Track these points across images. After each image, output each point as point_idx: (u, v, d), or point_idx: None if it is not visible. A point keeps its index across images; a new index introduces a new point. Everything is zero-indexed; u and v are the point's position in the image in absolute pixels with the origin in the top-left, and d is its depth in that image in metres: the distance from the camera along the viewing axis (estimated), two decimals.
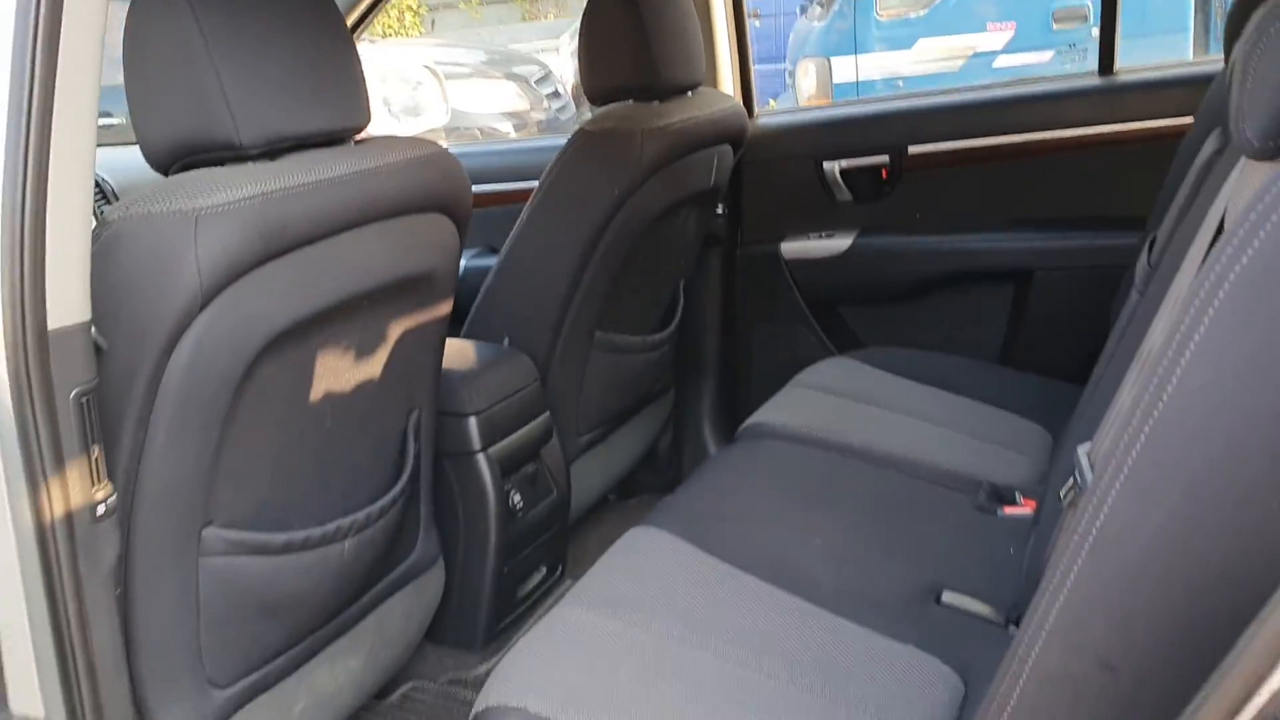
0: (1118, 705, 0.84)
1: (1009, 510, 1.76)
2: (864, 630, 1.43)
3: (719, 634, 1.37)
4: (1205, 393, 0.76)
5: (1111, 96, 2.39)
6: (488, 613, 1.91)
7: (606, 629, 1.37)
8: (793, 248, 2.61)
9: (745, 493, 1.79)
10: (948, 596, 1.52)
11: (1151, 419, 0.78)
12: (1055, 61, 6.03)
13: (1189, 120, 1.96)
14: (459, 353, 1.95)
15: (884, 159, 2.50)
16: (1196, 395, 0.76)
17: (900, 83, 6.23)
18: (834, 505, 1.76)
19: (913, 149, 2.48)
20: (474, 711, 1.25)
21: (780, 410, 2.11)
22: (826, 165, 2.54)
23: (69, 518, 1.06)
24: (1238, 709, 0.69)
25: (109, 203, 2.05)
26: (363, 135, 1.45)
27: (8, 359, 1.01)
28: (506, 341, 2.05)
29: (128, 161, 1.89)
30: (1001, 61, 6.15)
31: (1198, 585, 0.80)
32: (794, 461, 1.92)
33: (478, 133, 6.12)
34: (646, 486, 2.73)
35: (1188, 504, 0.79)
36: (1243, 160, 1.33)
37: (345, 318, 1.41)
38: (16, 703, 1.10)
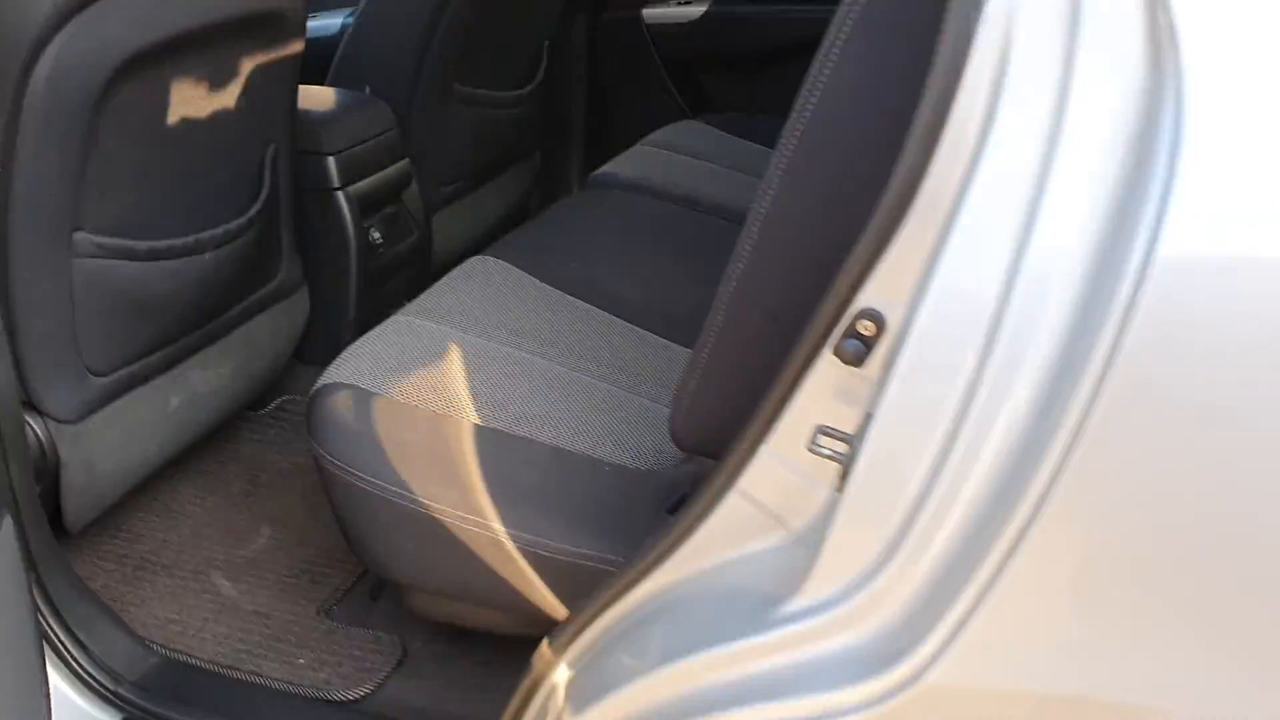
0: (782, 346, 1.10)
1: None
2: (662, 341, 1.68)
3: (538, 339, 1.61)
4: (837, 98, 0.98)
5: None
6: (351, 336, 2.11)
7: (437, 332, 1.60)
8: (654, 14, 2.75)
9: (578, 231, 2.01)
10: None
11: (803, 121, 1.01)
12: None
13: None
14: (320, 98, 2.10)
15: None
16: (831, 101, 0.98)
17: None
18: (655, 243, 1.99)
19: None
20: (311, 390, 1.49)
21: (625, 164, 2.31)
22: None
23: None
24: (835, 319, 0.94)
25: None
26: None
27: None
28: (368, 90, 2.19)
29: None
30: None
31: (838, 246, 1.03)
32: (628, 207, 2.13)
33: None
34: None
35: (829, 184, 1.02)
36: None
37: (198, 50, 1.56)
38: None
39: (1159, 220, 0.72)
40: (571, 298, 1.74)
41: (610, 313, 1.72)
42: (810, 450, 0.93)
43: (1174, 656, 0.78)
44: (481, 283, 1.75)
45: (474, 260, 1.83)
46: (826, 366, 0.95)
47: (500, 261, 1.82)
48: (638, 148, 2.40)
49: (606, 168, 2.29)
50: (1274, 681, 0.77)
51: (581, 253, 1.92)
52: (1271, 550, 0.74)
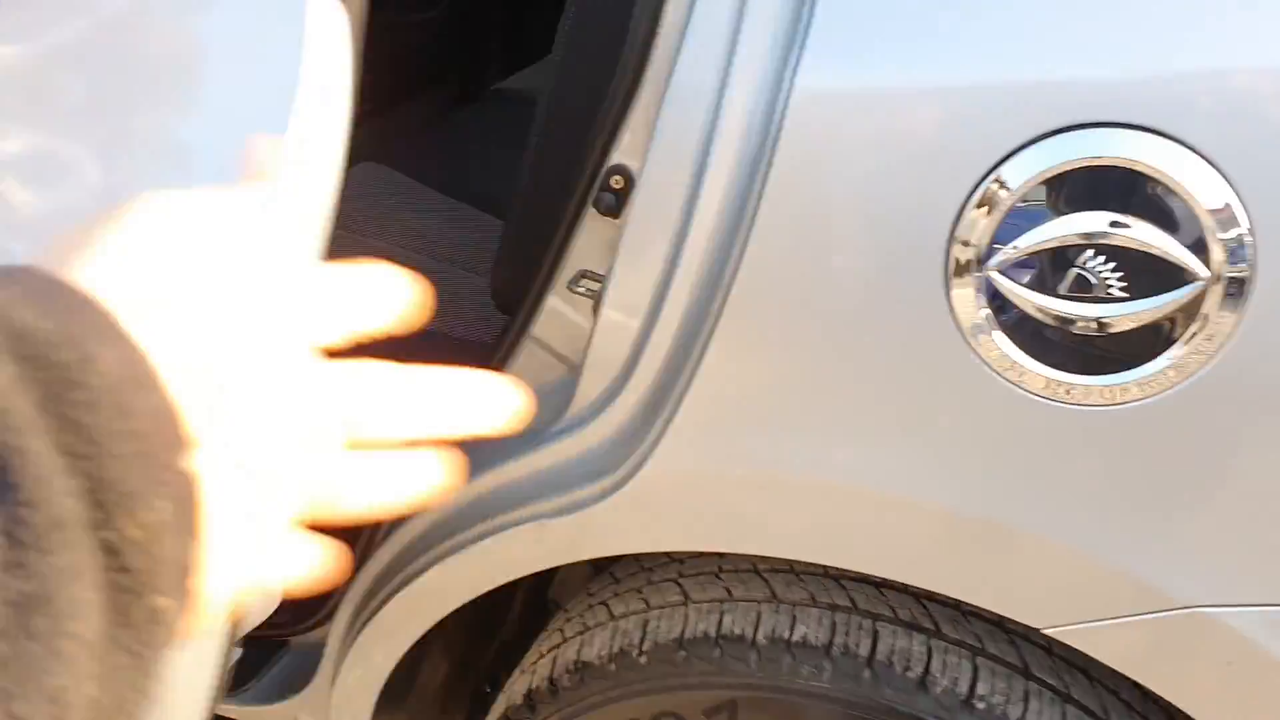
0: None
1: None
2: None
3: (406, 234, 1.75)
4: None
5: None
6: None
7: None
8: None
9: (463, 139, 2.14)
10: None
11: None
12: None
13: None
14: None
15: None
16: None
17: None
18: None
19: None
20: None
21: (526, 77, 2.42)
22: None
23: None
24: (593, 176, 1.06)
25: None
26: None
27: None
28: None
29: None
30: None
31: None
32: (519, 117, 2.24)
33: None
34: None
35: (601, 58, 1.14)
36: None
37: None
38: None
39: (799, 58, 0.85)
40: (444, 196, 1.87)
41: (478, 208, 1.85)
42: (570, 290, 1.06)
43: (846, 433, 0.92)
44: (369, 189, 1.87)
45: (363, 167, 1.95)
46: (591, 220, 1.08)
47: (386, 168, 1.94)
48: (543, 62, 2.51)
49: (507, 81, 2.40)
50: (928, 445, 0.91)
51: (462, 157, 2.04)
52: (902, 345, 0.88)
